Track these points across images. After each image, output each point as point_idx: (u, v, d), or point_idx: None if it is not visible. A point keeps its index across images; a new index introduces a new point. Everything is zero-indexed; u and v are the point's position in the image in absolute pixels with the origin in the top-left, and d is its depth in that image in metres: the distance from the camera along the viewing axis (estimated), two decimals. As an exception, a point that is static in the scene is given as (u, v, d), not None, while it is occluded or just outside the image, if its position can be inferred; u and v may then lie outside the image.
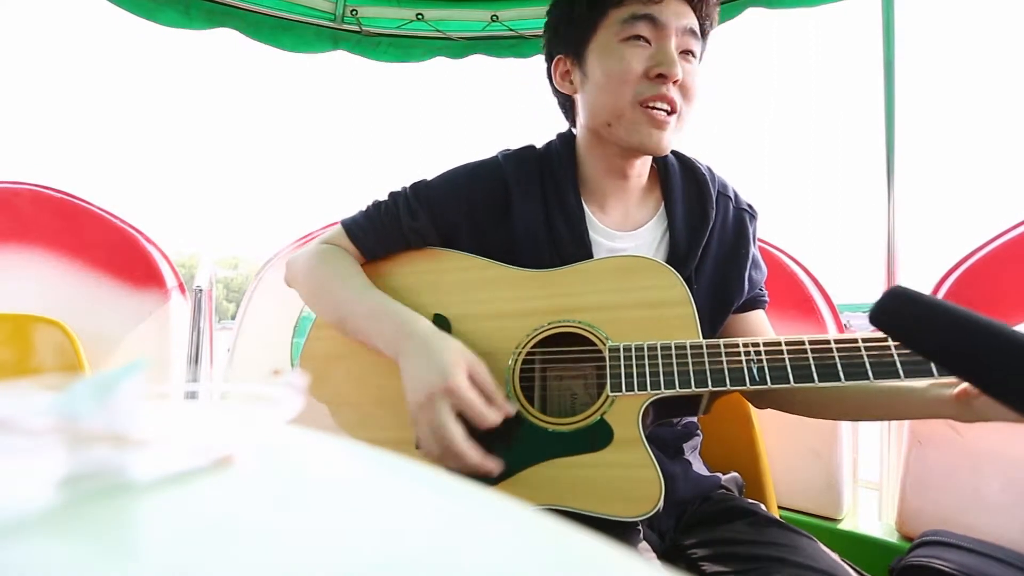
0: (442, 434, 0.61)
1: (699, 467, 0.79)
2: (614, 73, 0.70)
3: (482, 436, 0.67)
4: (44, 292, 1.29)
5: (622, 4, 0.71)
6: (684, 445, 0.78)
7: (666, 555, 0.72)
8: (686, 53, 0.71)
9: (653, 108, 0.69)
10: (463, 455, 0.61)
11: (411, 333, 0.67)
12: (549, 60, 0.80)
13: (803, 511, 1.13)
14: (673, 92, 0.69)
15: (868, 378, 0.57)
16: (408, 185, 0.81)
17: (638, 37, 0.70)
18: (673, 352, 0.63)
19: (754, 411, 0.99)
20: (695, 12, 0.71)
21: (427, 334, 0.67)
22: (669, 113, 0.69)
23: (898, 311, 0.43)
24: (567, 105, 0.80)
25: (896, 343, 0.56)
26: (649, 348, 0.64)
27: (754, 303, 0.82)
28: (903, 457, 1.02)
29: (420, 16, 1.70)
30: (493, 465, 0.62)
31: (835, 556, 0.64)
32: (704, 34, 0.73)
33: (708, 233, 0.76)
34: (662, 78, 0.68)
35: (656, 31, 0.69)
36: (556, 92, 0.80)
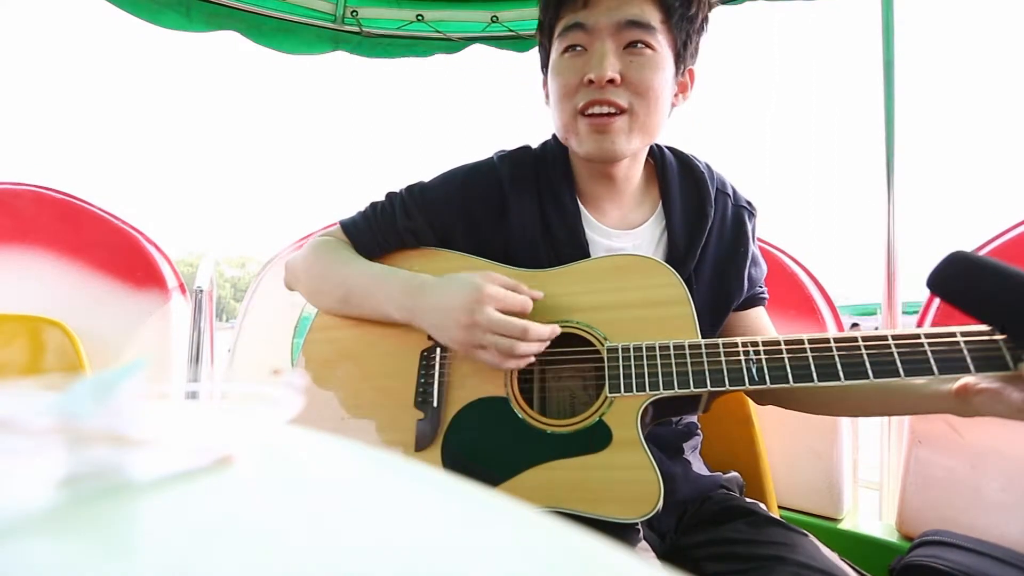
0: (510, 328, 0.63)
1: (699, 467, 0.79)
2: (556, 88, 0.71)
3: (483, 437, 0.67)
4: (44, 292, 1.29)
5: (559, 18, 0.71)
6: (684, 445, 0.78)
7: (666, 555, 0.72)
8: (633, 45, 0.67)
9: (592, 115, 0.68)
10: (539, 333, 0.64)
11: (420, 285, 0.70)
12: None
13: (803, 511, 1.13)
14: (613, 93, 0.67)
15: (868, 377, 0.57)
16: (405, 187, 0.82)
17: (574, 47, 0.69)
18: (672, 352, 0.63)
19: (754, 410, 0.99)
20: None
21: (434, 280, 0.70)
22: (615, 114, 0.68)
23: (959, 276, 0.49)
24: None
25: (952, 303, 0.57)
26: (647, 348, 0.64)
27: (754, 301, 0.82)
28: (903, 457, 1.02)
29: (420, 17, 1.70)
30: (557, 328, 0.66)
31: (835, 556, 0.64)
32: (670, 11, 0.68)
33: (707, 231, 0.76)
34: (592, 83, 0.67)
35: (588, 36, 0.68)
36: None
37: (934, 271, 0.56)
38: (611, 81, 0.66)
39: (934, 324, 1.00)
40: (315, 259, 0.80)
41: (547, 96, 0.79)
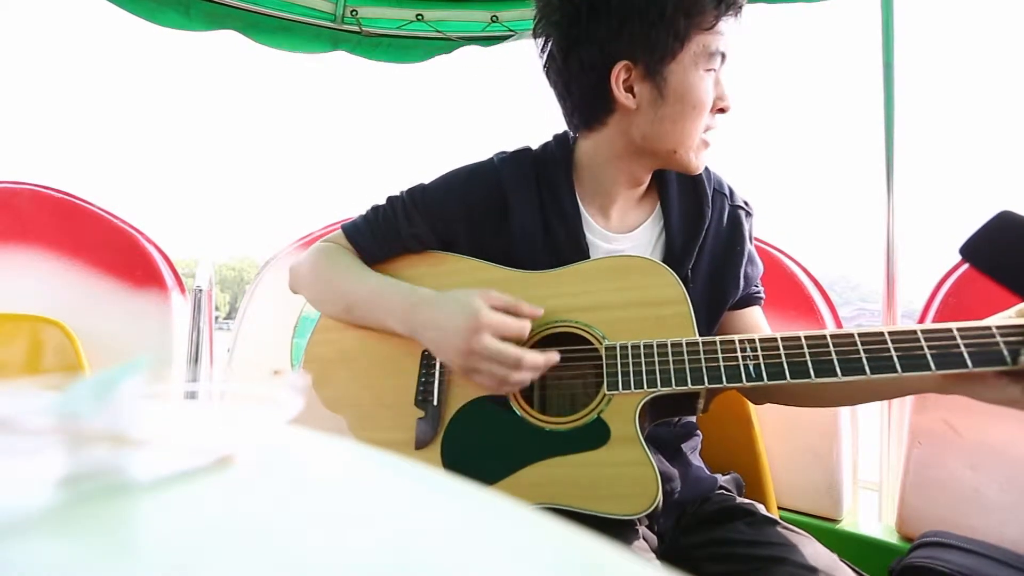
0: (505, 357, 0.63)
1: (699, 467, 0.79)
2: (698, 104, 0.68)
3: (482, 435, 0.67)
4: (44, 292, 1.29)
5: (711, 31, 0.67)
6: (683, 445, 0.78)
7: (666, 555, 0.72)
8: None
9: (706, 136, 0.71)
10: (535, 363, 0.64)
11: (419, 301, 0.71)
12: (586, 55, 0.68)
13: (803, 511, 1.13)
14: None
15: (864, 374, 0.57)
16: (406, 190, 0.82)
17: (710, 70, 0.69)
18: (669, 350, 0.63)
19: (754, 411, 0.99)
20: None
21: (433, 296, 0.71)
22: None
23: (1006, 241, 0.44)
24: (595, 108, 0.72)
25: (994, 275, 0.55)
26: (645, 346, 0.64)
27: (749, 300, 0.82)
28: (903, 457, 1.02)
29: (420, 17, 1.70)
30: (556, 355, 0.65)
31: (835, 556, 0.64)
32: None
33: (704, 232, 0.76)
34: (722, 112, 0.71)
35: (721, 64, 0.70)
36: (587, 91, 0.71)
37: (973, 236, 0.51)
38: None
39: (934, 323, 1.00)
40: (318, 268, 0.81)
41: (623, 84, 0.68)
